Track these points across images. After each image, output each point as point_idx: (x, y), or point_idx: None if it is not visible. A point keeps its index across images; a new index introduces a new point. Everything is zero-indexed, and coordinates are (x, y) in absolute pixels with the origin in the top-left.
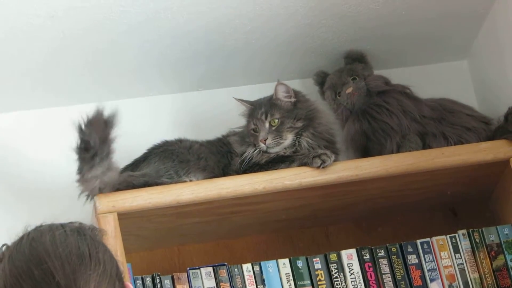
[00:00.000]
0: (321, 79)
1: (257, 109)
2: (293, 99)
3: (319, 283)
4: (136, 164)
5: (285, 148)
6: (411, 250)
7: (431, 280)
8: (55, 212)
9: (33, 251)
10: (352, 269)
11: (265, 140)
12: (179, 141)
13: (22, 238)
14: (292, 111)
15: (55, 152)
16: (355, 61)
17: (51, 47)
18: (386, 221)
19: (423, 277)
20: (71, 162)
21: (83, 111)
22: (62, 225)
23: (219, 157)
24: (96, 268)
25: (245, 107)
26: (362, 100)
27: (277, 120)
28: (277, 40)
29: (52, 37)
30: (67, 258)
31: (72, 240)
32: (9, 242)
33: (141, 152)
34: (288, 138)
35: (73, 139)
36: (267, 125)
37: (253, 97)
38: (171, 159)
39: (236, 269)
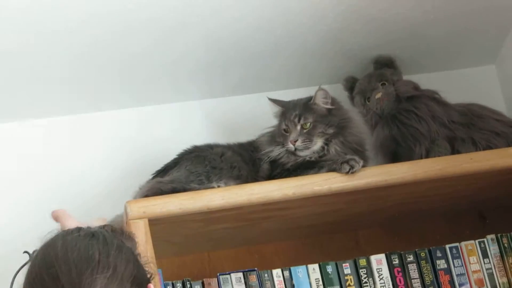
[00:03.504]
0: (351, 84)
1: (290, 110)
2: (329, 106)
3: None
4: (166, 170)
5: (312, 153)
6: (440, 255)
7: (460, 285)
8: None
9: (46, 256)
10: (382, 274)
11: (295, 142)
12: (210, 147)
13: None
14: (326, 117)
15: (89, 158)
16: (384, 66)
17: (82, 53)
18: (415, 225)
19: (451, 282)
20: (103, 167)
21: (116, 117)
22: (79, 229)
23: (251, 165)
24: (103, 271)
25: (278, 107)
26: (391, 105)
27: (309, 124)
28: (307, 45)
29: (84, 43)
30: (74, 262)
31: (82, 244)
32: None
33: (172, 158)
34: (318, 143)
35: (106, 145)
36: (298, 127)
37: None
38: (203, 164)
39: (266, 275)
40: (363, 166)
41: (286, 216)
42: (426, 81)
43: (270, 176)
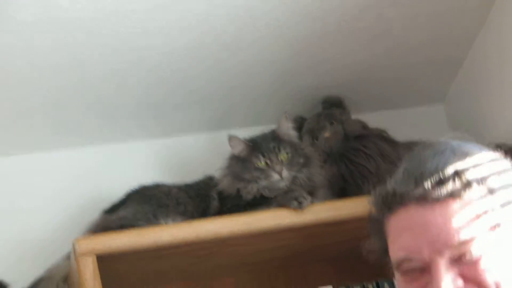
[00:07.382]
0: (299, 124)
1: (262, 144)
2: (295, 133)
3: None
4: (114, 209)
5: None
6: None
7: None
8: (36, 253)
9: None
10: None
11: (281, 172)
12: (157, 186)
13: None
14: (295, 147)
15: (36, 198)
16: (333, 106)
17: (27, 95)
18: (364, 260)
19: None
20: (51, 207)
21: (63, 156)
22: None
23: (198, 201)
24: None
25: (243, 144)
26: (339, 144)
27: (287, 154)
28: (256, 87)
29: (33, 88)
30: None
31: None
32: None
33: (119, 197)
34: (296, 173)
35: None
36: (279, 158)
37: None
38: (149, 203)
39: None
40: (312, 201)
41: (235, 252)
42: (374, 120)
43: (220, 212)
